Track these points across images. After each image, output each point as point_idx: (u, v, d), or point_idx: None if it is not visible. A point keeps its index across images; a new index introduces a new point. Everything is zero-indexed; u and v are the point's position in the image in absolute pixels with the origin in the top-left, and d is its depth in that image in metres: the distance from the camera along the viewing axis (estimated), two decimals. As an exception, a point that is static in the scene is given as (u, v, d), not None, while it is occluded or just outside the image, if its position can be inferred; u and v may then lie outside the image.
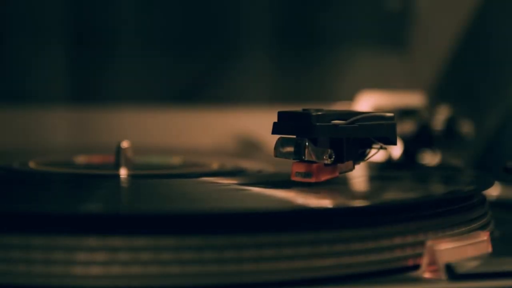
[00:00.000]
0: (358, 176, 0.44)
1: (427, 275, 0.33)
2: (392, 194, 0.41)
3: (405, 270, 0.33)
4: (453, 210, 0.37)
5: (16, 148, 0.68)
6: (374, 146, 0.40)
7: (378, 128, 0.39)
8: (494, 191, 0.52)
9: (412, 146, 0.58)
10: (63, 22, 0.72)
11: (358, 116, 0.38)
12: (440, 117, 0.58)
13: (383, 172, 0.50)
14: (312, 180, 0.38)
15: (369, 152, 0.41)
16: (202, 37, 0.75)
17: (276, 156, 0.39)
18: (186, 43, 0.76)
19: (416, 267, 0.33)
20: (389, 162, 0.56)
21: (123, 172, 0.45)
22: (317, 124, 0.37)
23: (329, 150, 0.38)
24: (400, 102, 0.61)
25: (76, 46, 0.73)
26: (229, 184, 0.41)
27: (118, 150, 0.46)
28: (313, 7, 0.77)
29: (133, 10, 0.75)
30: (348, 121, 0.38)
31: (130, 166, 0.46)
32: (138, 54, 0.75)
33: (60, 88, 0.73)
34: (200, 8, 0.76)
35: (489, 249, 0.35)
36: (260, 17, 0.76)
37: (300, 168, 0.38)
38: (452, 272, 0.32)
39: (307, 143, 0.37)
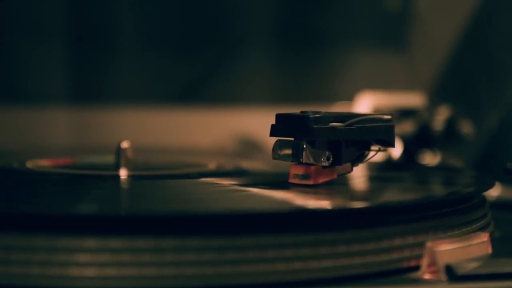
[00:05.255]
0: (358, 176, 0.44)
1: (427, 276, 0.33)
2: (392, 195, 0.41)
3: (405, 271, 0.33)
4: (453, 211, 0.37)
5: (16, 148, 0.68)
6: (373, 148, 0.40)
7: (376, 130, 0.39)
8: (494, 192, 0.52)
9: (412, 147, 0.58)
10: (63, 22, 0.73)
11: (356, 119, 0.38)
12: (440, 117, 0.58)
13: (383, 173, 0.50)
14: (310, 182, 0.38)
15: (367, 154, 0.41)
16: (202, 37, 0.76)
17: (274, 158, 0.39)
18: (186, 43, 0.76)
19: (416, 268, 0.33)
20: (389, 163, 0.56)
21: (123, 173, 0.45)
22: (315, 126, 0.37)
23: (327, 153, 0.38)
24: (400, 102, 0.61)
25: (76, 46, 0.73)
26: (228, 185, 0.41)
27: (118, 150, 0.46)
28: (313, 7, 0.77)
29: (133, 10, 0.75)
30: (346, 123, 0.38)
31: (130, 166, 0.46)
32: (138, 54, 0.75)
33: (60, 88, 0.73)
34: (200, 8, 0.76)
35: (489, 250, 0.35)
36: (260, 17, 0.76)
37: (298, 170, 0.38)
38: (452, 273, 0.32)
39: (305, 146, 0.37)
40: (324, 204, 0.35)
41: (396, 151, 0.57)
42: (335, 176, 0.39)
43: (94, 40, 0.74)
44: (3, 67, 0.73)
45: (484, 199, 0.41)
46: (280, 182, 0.40)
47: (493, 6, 0.68)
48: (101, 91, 0.75)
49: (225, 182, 0.42)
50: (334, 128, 0.38)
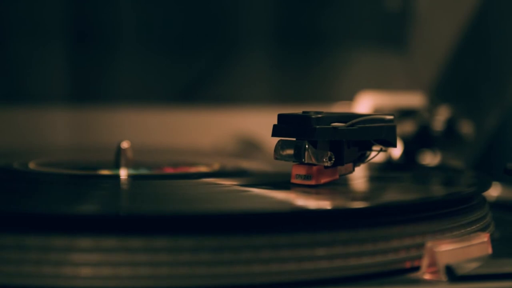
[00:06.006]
0: (358, 177, 0.44)
1: (427, 276, 0.33)
2: (392, 196, 0.41)
3: (405, 272, 0.33)
4: (453, 211, 0.37)
5: (16, 148, 0.68)
6: (374, 148, 0.40)
7: (378, 131, 0.39)
8: (494, 192, 0.52)
9: (412, 147, 0.58)
10: (63, 22, 0.72)
11: (358, 119, 0.38)
12: (440, 117, 0.58)
13: (383, 173, 0.50)
14: (312, 182, 0.38)
15: (369, 155, 0.41)
16: (202, 37, 0.75)
17: (276, 158, 0.39)
18: (186, 43, 0.76)
19: (416, 268, 0.34)
20: (389, 163, 0.56)
21: (123, 173, 0.45)
22: (317, 126, 0.37)
23: (329, 153, 0.38)
24: (400, 103, 0.61)
25: (76, 46, 0.73)
26: (228, 185, 0.41)
27: (118, 150, 0.46)
28: (313, 7, 0.77)
29: (133, 10, 0.75)
30: (348, 123, 0.38)
31: (130, 166, 0.46)
32: (138, 54, 0.75)
33: (60, 88, 0.73)
34: (200, 8, 0.76)
35: (489, 250, 0.35)
36: (260, 17, 0.76)
37: (300, 170, 0.38)
38: (452, 274, 0.32)
39: (307, 146, 0.37)
40: (324, 204, 0.36)
41: (396, 151, 0.57)
42: (337, 177, 0.39)
43: (94, 40, 0.74)
44: (3, 67, 0.73)
45: (484, 200, 0.41)
46: (281, 182, 0.40)
47: (493, 6, 0.68)
48: (101, 91, 0.75)
49: (226, 182, 0.42)
50: (336, 128, 0.38)
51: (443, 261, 0.33)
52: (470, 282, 0.32)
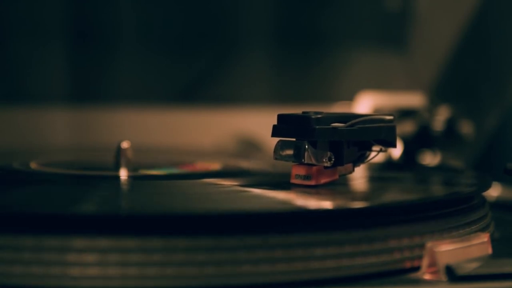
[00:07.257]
0: (358, 177, 0.44)
1: (427, 276, 0.33)
2: (392, 196, 0.41)
3: (405, 272, 0.33)
4: (453, 211, 0.37)
5: (16, 148, 0.68)
6: (374, 148, 0.40)
7: (378, 131, 0.39)
8: (494, 192, 0.52)
9: (412, 147, 0.58)
10: (63, 22, 0.72)
11: (358, 119, 0.38)
12: (440, 117, 0.58)
13: (383, 173, 0.50)
14: (312, 183, 0.38)
15: (368, 155, 0.41)
16: (202, 37, 0.75)
17: (275, 159, 0.39)
18: (186, 43, 0.76)
19: (416, 268, 0.34)
20: (389, 163, 0.56)
21: (123, 173, 0.45)
22: (317, 127, 0.37)
23: (329, 153, 0.38)
24: (400, 103, 0.61)
25: (76, 46, 0.73)
26: (228, 185, 0.41)
27: (118, 150, 0.46)
28: (313, 7, 0.77)
29: (133, 10, 0.75)
30: (348, 124, 0.38)
31: (130, 166, 0.46)
32: (138, 54, 0.75)
33: (60, 88, 0.73)
34: (200, 8, 0.76)
35: (489, 250, 0.35)
36: (260, 17, 0.76)
37: (300, 171, 0.38)
38: (452, 274, 0.32)
39: (306, 146, 0.38)
40: (324, 204, 0.36)
41: (396, 151, 0.57)
42: (336, 177, 0.39)
43: (94, 40, 0.74)
44: (3, 67, 0.73)
45: (484, 200, 0.41)
46: (281, 182, 0.40)
47: (493, 6, 0.68)
48: (101, 91, 0.75)
49: (225, 182, 0.42)
50: (335, 128, 0.38)
51: (443, 261, 0.33)
52: (470, 282, 0.32)
